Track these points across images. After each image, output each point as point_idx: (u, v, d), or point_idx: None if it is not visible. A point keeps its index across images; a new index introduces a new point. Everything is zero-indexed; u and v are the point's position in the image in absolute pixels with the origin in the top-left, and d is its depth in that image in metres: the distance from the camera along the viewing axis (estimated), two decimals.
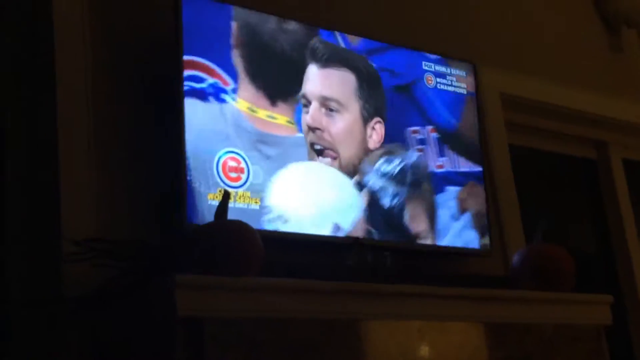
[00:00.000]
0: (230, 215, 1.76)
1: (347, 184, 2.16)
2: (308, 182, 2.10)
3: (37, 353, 1.77)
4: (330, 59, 2.20)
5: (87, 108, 1.91)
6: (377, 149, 2.23)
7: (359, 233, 2.14)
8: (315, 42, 2.18)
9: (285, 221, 2.02)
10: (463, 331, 1.89)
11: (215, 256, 1.63)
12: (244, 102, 2.03)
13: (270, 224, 1.99)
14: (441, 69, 2.44)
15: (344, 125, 2.18)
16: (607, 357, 2.14)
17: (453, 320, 1.88)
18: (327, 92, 2.17)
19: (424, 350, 1.82)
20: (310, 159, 2.11)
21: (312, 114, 2.13)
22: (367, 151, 2.21)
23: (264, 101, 2.07)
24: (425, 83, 2.39)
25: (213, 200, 1.90)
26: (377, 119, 2.24)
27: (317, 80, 2.16)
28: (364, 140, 2.21)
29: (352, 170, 2.17)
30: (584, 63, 3.12)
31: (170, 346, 1.52)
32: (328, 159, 2.13)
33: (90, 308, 1.73)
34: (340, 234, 2.11)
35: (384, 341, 1.76)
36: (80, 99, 1.91)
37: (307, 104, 2.13)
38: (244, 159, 1.99)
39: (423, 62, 2.40)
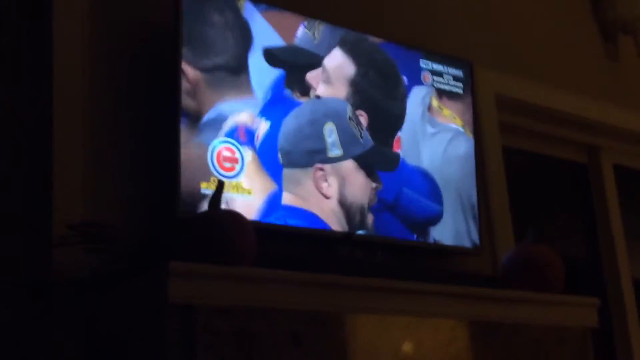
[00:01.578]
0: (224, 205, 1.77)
1: None
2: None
3: (25, 338, 1.77)
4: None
5: (81, 93, 1.91)
6: None
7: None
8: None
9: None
10: (451, 329, 1.89)
11: (209, 245, 1.63)
12: None
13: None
14: (438, 67, 2.44)
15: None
16: (592, 359, 2.15)
17: (442, 318, 1.89)
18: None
19: (412, 346, 1.83)
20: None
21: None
22: None
23: None
24: (422, 81, 2.40)
25: (207, 189, 1.91)
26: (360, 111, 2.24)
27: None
28: None
29: None
30: (579, 68, 3.14)
31: (161, 333, 1.53)
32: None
33: (81, 293, 1.73)
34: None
35: (372, 335, 1.77)
36: (76, 84, 1.90)
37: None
38: (238, 149, 2.00)
39: (420, 60, 2.41)
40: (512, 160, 2.84)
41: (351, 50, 2.26)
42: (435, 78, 2.43)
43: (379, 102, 2.28)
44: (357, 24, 2.32)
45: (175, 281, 1.53)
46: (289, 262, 1.77)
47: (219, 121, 1.98)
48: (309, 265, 1.80)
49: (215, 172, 1.95)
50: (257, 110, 2.06)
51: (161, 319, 1.53)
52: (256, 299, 1.62)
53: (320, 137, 2.13)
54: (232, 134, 1.99)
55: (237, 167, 1.99)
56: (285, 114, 2.10)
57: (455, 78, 2.48)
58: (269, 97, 2.08)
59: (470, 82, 2.51)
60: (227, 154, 1.98)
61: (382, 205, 2.21)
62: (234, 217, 1.70)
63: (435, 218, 2.35)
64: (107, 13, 2.00)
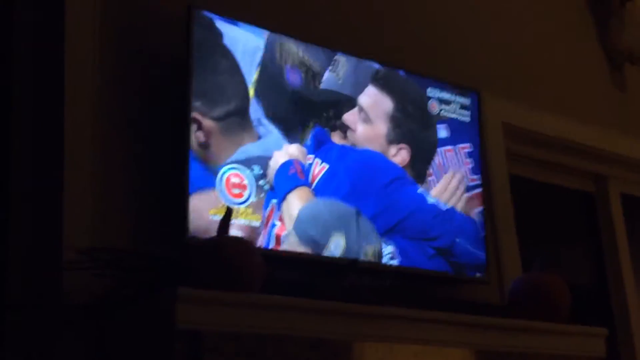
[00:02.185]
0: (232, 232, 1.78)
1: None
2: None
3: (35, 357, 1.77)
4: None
5: (93, 117, 1.92)
6: None
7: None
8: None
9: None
10: (459, 357, 1.89)
11: (217, 271, 1.64)
12: None
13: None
14: (445, 95, 2.46)
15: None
16: None
17: (450, 346, 1.89)
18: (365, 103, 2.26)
19: None
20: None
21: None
22: None
23: None
24: (429, 109, 2.41)
25: (215, 215, 1.91)
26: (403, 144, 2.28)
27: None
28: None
29: None
30: (587, 97, 3.15)
31: (169, 359, 1.53)
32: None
33: (90, 317, 1.74)
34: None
35: None
36: (87, 108, 1.92)
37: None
38: (247, 175, 2.01)
39: (428, 88, 2.42)
40: (519, 188, 2.83)
41: (385, 85, 2.30)
42: (443, 106, 2.44)
43: (418, 134, 2.34)
44: (358, 50, 2.32)
45: (184, 306, 1.54)
46: (298, 289, 1.78)
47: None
48: (317, 293, 1.80)
49: (223, 199, 1.95)
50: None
51: (169, 344, 1.54)
52: (265, 326, 1.62)
53: None
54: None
55: (245, 193, 2.00)
56: (340, 158, 2.16)
57: (463, 106, 2.49)
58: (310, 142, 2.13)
59: (477, 111, 2.52)
60: (235, 180, 1.99)
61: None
62: (242, 244, 1.71)
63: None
64: (117, 20, 2.02)
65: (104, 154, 1.92)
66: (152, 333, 1.61)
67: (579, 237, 3.21)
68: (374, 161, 2.24)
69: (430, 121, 2.39)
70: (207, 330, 1.55)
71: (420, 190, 2.30)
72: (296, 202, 2.05)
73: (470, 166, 2.45)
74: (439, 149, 2.39)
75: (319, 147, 2.14)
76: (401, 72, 2.37)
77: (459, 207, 2.38)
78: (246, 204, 1.99)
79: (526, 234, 2.77)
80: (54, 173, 1.86)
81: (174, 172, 1.92)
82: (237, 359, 1.57)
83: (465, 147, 2.46)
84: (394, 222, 2.22)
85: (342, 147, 2.18)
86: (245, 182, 2.00)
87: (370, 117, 2.25)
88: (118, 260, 1.72)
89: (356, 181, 2.19)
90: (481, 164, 2.48)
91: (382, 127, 2.26)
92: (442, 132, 2.41)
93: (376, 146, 2.25)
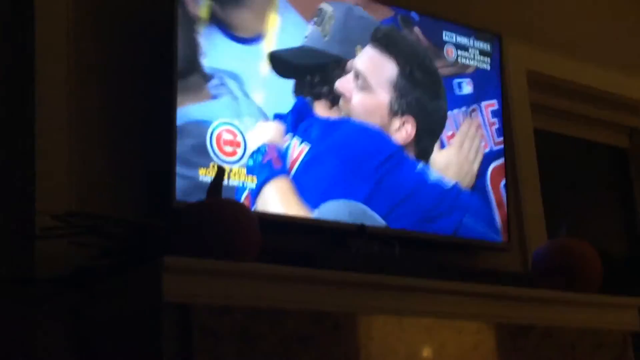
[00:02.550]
0: (224, 194, 1.78)
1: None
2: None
3: (8, 335, 1.77)
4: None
5: (65, 73, 1.92)
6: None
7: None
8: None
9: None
10: (476, 332, 1.91)
11: (207, 238, 1.64)
12: None
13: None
14: (463, 40, 2.44)
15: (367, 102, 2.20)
16: None
17: (466, 319, 1.90)
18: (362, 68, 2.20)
19: (433, 350, 1.84)
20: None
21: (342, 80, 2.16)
22: None
23: None
24: (445, 55, 2.39)
25: (205, 176, 1.91)
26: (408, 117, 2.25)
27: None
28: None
29: None
30: (620, 43, 3.13)
31: (155, 335, 1.54)
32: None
33: (67, 290, 1.74)
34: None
35: (388, 338, 1.78)
36: (60, 65, 1.92)
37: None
38: (240, 131, 2.00)
39: (443, 32, 2.40)
40: (544, 143, 2.83)
41: (387, 46, 2.24)
42: (460, 52, 2.42)
43: (426, 104, 2.29)
44: None
45: (171, 277, 1.54)
46: (296, 258, 1.78)
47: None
48: (318, 261, 1.81)
49: (215, 158, 1.95)
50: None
51: (155, 319, 1.54)
52: (259, 298, 1.63)
53: None
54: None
55: (239, 151, 2.00)
56: (323, 136, 2.10)
57: (482, 52, 2.47)
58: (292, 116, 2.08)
59: (498, 57, 2.50)
60: (228, 137, 1.98)
61: None
62: (236, 207, 1.71)
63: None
64: None
65: (80, 111, 1.92)
66: (136, 308, 1.62)
67: (610, 199, 3.21)
68: (363, 137, 2.18)
69: (440, 89, 2.33)
70: (196, 303, 1.55)
71: (420, 167, 2.26)
72: (273, 196, 2.01)
73: (496, 127, 2.43)
74: (453, 112, 2.36)
75: (299, 123, 2.08)
76: (413, 14, 2.35)
77: (468, 181, 2.35)
78: (239, 163, 1.99)
79: (552, 196, 2.77)
80: (26, 131, 1.86)
81: (158, 131, 1.92)
82: (229, 336, 1.57)
83: (491, 105, 2.44)
84: (388, 209, 2.19)
85: (325, 121, 2.12)
86: (239, 139, 2.00)
87: (369, 85, 2.20)
88: (98, 226, 1.71)
89: (343, 164, 2.13)
90: (503, 117, 2.47)
91: (383, 96, 2.22)
92: (466, 87, 2.40)
93: (376, 119, 2.20)
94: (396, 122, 2.22)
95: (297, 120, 2.08)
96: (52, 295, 1.73)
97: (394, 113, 2.23)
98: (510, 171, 2.52)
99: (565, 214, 2.28)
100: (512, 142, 2.63)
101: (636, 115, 3.16)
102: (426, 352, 1.83)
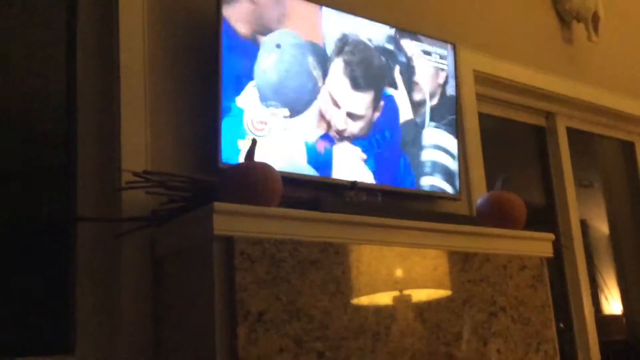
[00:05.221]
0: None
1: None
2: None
3: (101, 263, 1.79)
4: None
5: (144, 62, 1.89)
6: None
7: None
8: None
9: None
10: (436, 257, 1.90)
11: (244, 189, 1.63)
12: None
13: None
14: (427, 47, 2.42)
15: None
16: (547, 281, 2.16)
17: (428, 248, 1.89)
18: None
19: (404, 270, 1.83)
20: None
21: None
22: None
23: None
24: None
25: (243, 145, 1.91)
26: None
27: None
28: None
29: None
30: (541, 48, 3.11)
31: (208, 257, 1.55)
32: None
33: (144, 227, 1.75)
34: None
35: (372, 262, 1.78)
36: (138, 54, 1.89)
37: None
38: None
39: (414, 43, 2.38)
40: (486, 124, 2.82)
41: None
42: (426, 57, 2.40)
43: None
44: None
45: (219, 217, 1.54)
46: (308, 203, 1.78)
47: None
48: (323, 206, 1.80)
49: (249, 132, 1.95)
50: None
51: (208, 246, 1.55)
52: (282, 232, 1.63)
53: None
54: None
55: (266, 128, 1.99)
56: None
57: (442, 57, 2.45)
58: None
59: (453, 61, 2.48)
60: (259, 117, 1.98)
61: None
62: (264, 167, 1.70)
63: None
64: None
65: (154, 97, 1.90)
66: (194, 239, 1.62)
67: (532, 163, 3.20)
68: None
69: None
70: (237, 235, 1.55)
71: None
72: None
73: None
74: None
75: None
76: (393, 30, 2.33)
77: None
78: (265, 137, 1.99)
79: (490, 161, 2.76)
80: (113, 109, 1.85)
81: (211, 112, 1.91)
82: (260, 260, 1.57)
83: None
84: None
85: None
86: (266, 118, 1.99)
87: None
88: (166, 181, 1.72)
89: None
90: (456, 104, 2.46)
91: None
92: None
93: None
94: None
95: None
96: (134, 230, 1.73)
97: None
98: (460, 144, 2.50)
99: (500, 174, 2.27)
100: (462, 123, 2.62)
101: (550, 102, 3.13)
102: (399, 272, 1.83)
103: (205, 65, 1.98)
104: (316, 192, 2.06)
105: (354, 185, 2.11)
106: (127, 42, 1.88)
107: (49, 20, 1.89)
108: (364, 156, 2.18)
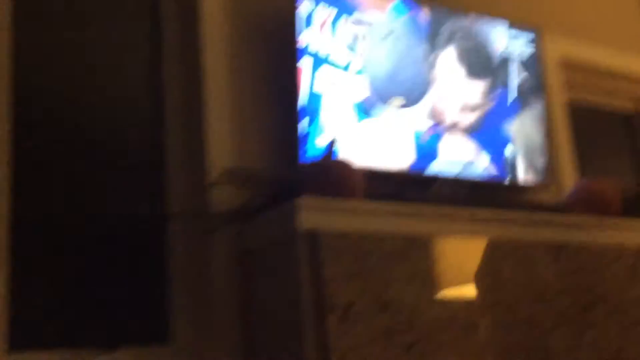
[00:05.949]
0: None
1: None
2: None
3: (191, 258, 1.83)
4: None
5: (229, 66, 1.92)
6: None
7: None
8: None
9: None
10: (527, 247, 1.85)
11: (328, 185, 1.64)
12: None
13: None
14: (512, 32, 2.36)
15: None
16: None
17: (519, 239, 1.84)
18: None
19: (494, 262, 1.79)
20: None
21: None
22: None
23: None
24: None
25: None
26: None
27: None
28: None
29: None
30: (627, 30, 2.96)
31: (293, 251, 1.56)
32: None
33: (231, 222, 1.77)
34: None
35: (460, 253, 1.75)
36: (222, 59, 1.92)
37: None
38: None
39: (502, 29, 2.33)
40: (574, 111, 2.71)
41: None
42: (511, 41, 2.34)
43: None
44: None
45: (302, 212, 1.55)
46: (391, 198, 1.76)
47: None
48: (406, 200, 1.78)
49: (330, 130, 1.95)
50: None
51: (292, 240, 1.57)
52: (366, 226, 1.62)
53: None
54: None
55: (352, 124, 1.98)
56: None
57: (528, 42, 2.38)
58: None
59: (539, 46, 2.40)
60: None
61: None
62: (346, 164, 1.70)
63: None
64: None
65: (238, 100, 1.92)
66: (280, 233, 1.64)
67: (625, 150, 3.05)
68: None
69: None
70: (322, 230, 1.56)
71: None
72: None
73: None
74: None
75: None
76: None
77: None
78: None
79: (582, 149, 2.65)
80: (198, 110, 1.89)
81: (291, 115, 1.93)
82: (346, 253, 1.57)
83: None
84: None
85: None
86: None
87: None
88: (251, 178, 1.74)
89: None
90: (543, 92, 2.38)
91: None
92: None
93: None
94: None
95: None
96: (221, 225, 1.76)
97: None
98: (549, 132, 2.42)
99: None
100: (550, 111, 2.53)
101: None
102: (488, 264, 1.78)
103: (285, 65, 1.99)
104: (403, 186, 2.03)
105: (437, 179, 2.08)
106: (210, 46, 1.91)
107: (135, 27, 1.96)
108: (473, 146, 2.15)
